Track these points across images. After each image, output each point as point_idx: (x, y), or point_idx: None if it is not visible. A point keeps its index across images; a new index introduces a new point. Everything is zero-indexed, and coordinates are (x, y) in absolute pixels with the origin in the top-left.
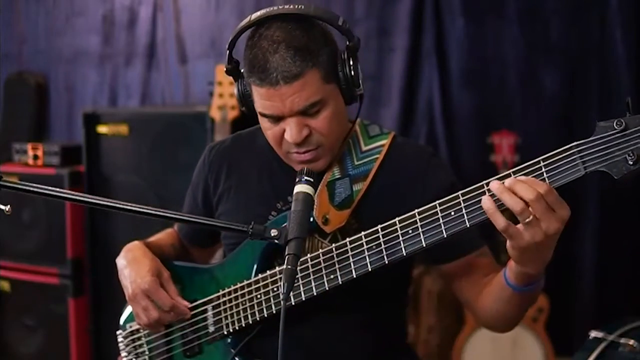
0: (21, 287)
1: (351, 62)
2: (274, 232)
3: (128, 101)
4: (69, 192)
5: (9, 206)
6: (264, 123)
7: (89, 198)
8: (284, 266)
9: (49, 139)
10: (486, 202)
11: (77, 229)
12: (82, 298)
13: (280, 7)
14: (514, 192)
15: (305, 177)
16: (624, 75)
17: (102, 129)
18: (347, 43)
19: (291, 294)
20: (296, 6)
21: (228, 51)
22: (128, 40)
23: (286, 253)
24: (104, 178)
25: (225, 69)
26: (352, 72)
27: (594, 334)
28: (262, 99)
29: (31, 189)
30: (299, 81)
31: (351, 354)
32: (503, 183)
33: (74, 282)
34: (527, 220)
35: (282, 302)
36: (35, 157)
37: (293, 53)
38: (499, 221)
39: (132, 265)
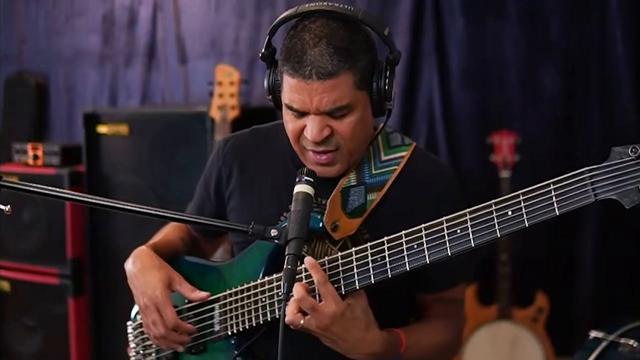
0: (21, 287)
1: (387, 74)
2: (274, 232)
3: (128, 101)
4: (69, 192)
5: (9, 206)
6: (286, 115)
7: (89, 198)
8: (284, 266)
9: (49, 139)
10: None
11: (77, 229)
12: (82, 298)
13: (329, 3)
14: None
15: (305, 177)
16: (624, 75)
17: (102, 129)
18: (388, 55)
19: None
20: (346, 7)
21: (268, 36)
22: (128, 40)
23: (286, 253)
24: (104, 178)
25: (260, 54)
26: (387, 86)
27: (594, 334)
28: (291, 91)
29: (31, 189)
30: (332, 80)
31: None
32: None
33: (74, 282)
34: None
35: (282, 302)
36: (35, 157)
37: (332, 51)
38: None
39: (142, 275)
